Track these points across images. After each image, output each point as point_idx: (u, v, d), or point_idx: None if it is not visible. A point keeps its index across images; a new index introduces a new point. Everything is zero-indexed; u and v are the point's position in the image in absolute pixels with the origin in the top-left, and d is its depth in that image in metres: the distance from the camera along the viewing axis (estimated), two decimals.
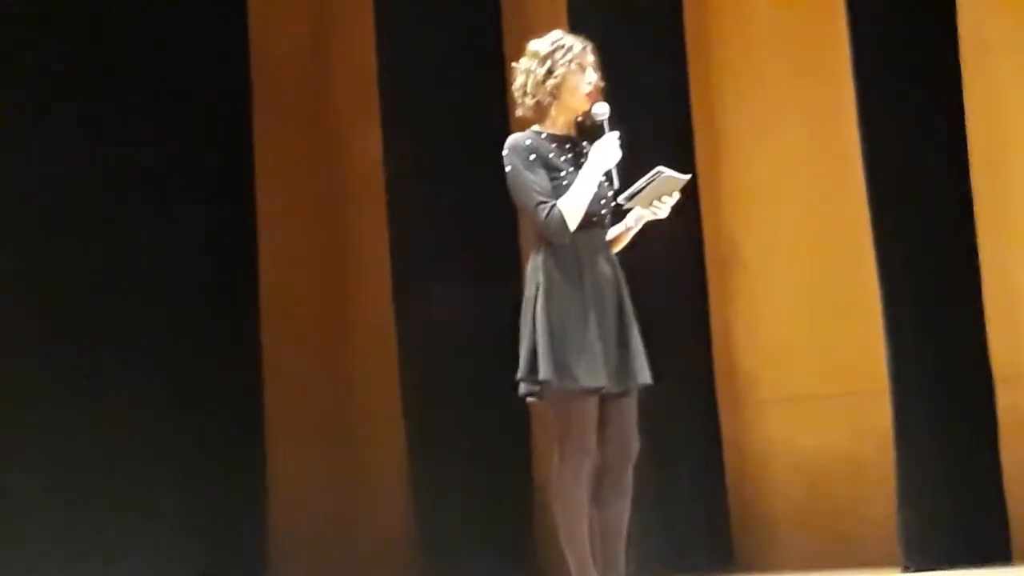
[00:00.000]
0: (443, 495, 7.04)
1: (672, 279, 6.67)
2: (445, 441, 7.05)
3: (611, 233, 4.59)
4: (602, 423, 4.46)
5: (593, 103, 4.51)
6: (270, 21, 7.57)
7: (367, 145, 7.39)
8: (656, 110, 6.67)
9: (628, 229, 4.59)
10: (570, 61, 4.48)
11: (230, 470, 7.02)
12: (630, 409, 4.52)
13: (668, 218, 4.59)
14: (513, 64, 4.58)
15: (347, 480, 7.61)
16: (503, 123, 6.91)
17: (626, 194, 4.47)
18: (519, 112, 4.58)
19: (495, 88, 6.95)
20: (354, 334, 7.77)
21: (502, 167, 4.55)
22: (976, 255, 6.23)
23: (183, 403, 6.92)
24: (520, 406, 6.70)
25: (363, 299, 7.71)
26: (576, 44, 4.52)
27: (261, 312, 7.30)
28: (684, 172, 4.49)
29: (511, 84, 4.59)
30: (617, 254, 4.58)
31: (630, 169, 4.52)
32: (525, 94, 4.53)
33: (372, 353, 7.59)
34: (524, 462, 7.09)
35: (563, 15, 6.76)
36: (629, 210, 4.54)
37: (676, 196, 4.51)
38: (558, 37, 4.54)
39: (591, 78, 4.51)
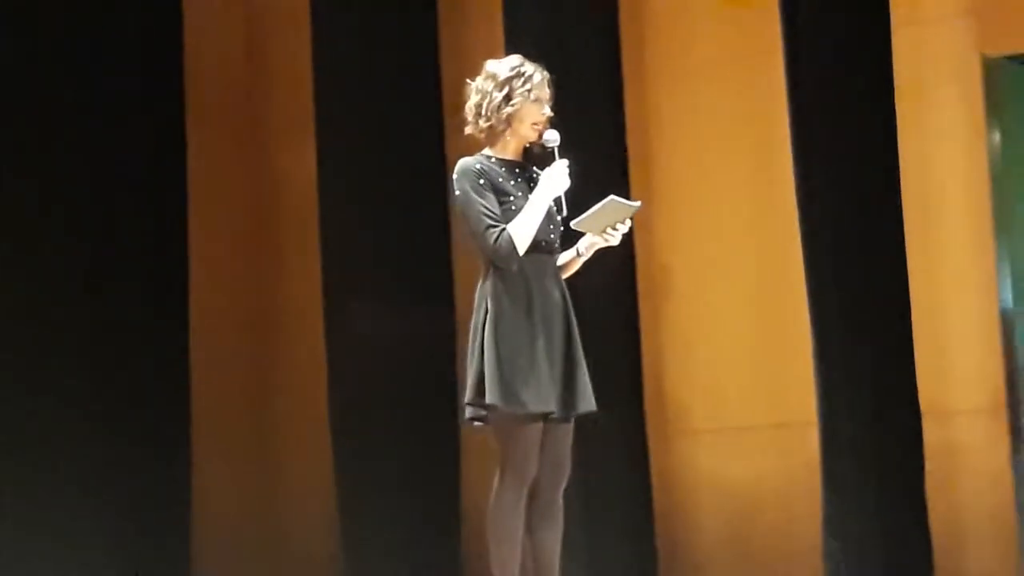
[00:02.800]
0: (370, 517, 6.97)
1: (603, 306, 6.63)
2: (373, 463, 6.99)
3: (561, 259, 4.59)
4: (539, 447, 4.45)
5: (543, 133, 4.51)
6: (204, 36, 7.49)
7: (301, 161, 7.33)
8: (590, 134, 6.65)
9: (579, 255, 4.60)
10: (528, 91, 4.48)
11: (155, 488, 6.93)
12: (567, 435, 4.54)
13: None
14: (468, 81, 4.55)
15: (273, 501, 7.54)
16: (439, 142, 6.91)
17: (577, 220, 4.46)
18: (468, 130, 4.55)
19: (431, 106, 6.92)
20: (284, 353, 7.70)
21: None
22: (907, 292, 6.27)
23: (108, 419, 6.82)
24: (450, 432, 6.74)
25: (293, 317, 7.65)
26: (536, 74, 4.51)
27: (190, 327, 7.21)
28: (633, 200, 4.50)
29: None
30: (566, 280, 4.58)
31: (574, 197, 4.51)
32: (479, 115, 4.51)
33: (301, 372, 7.52)
34: (453, 486, 7.04)
35: (500, 34, 6.75)
36: (580, 236, 4.54)
37: (628, 224, 4.52)
38: (518, 63, 4.53)
39: (545, 111, 4.51)
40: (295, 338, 7.62)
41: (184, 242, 7.24)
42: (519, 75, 4.48)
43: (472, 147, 4.61)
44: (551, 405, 4.41)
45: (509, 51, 6.33)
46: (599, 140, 6.77)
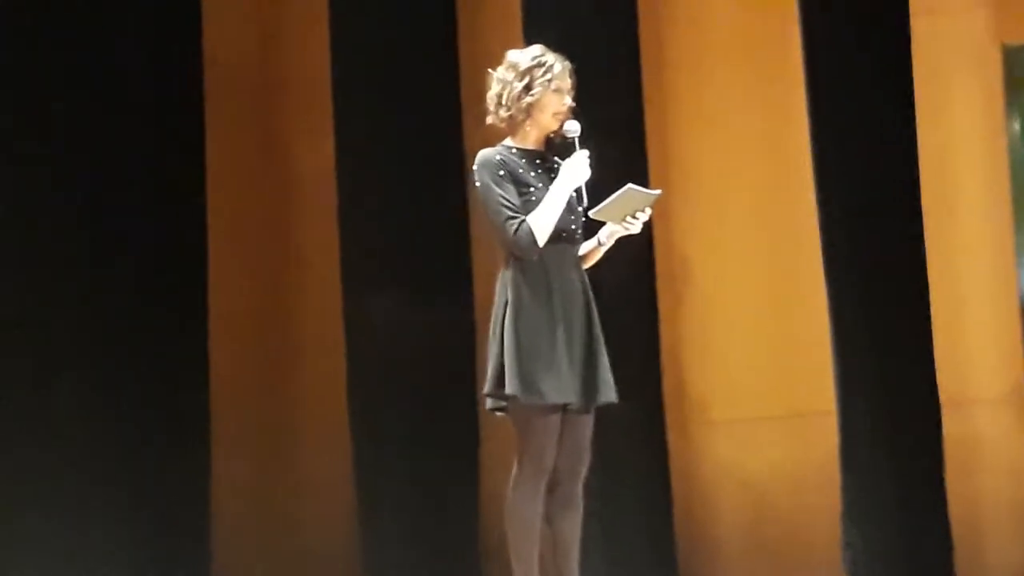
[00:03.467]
0: (388, 509, 6.97)
1: (622, 296, 6.63)
2: (392, 455, 6.99)
3: (583, 249, 4.59)
4: (558, 437, 4.46)
5: (563, 123, 4.51)
6: (222, 30, 7.48)
7: (319, 154, 7.32)
8: (608, 123, 6.63)
9: (600, 245, 4.60)
10: (549, 81, 4.48)
11: (174, 481, 6.91)
12: (587, 426, 4.54)
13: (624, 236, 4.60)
14: (489, 71, 4.56)
15: (291, 492, 7.54)
16: (456, 134, 6.89)
17: (596, 208, 4.46)
18: (489, 120, 4.56)
19: (449, 98, 6.90)
20: (302, 345, 7.69)
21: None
22: (926, 281, 6.26)
23: (127, 412, 6.80)
24: (470, 421, 6.73)
25: (312, 309, 7.64)
26: (557, 64, 4.52)
27: (209, 321, 7.21)
28: (652, 189, 4.51)
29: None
30: (587, 270, 4.59)
31: (591, 188, 4.51)
32: (500, 105, 4.51)
33: (320, 364, 7.51)
34: (472, 477, 7.03)
35: (518, 24, 6.74)
36: (602, 225, 4.54)
37: (648, 212, 4.52)
38: (539, 53, 4.54)
39: (566, 101, 4.52)
40: (314, 331, 7.61)
41: (203, 236, 7.22)
42: (540, 65, 4.49)
43: (491, 139, 4.62)
44: (570, 396, 4.41)
45: (527, 41, 6.34)
46: (617, 128, 6.74)
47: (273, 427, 7.63)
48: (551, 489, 4.49)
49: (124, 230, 6.91)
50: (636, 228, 4.54)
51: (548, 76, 4.48)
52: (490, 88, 4.53)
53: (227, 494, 7.19)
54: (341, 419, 7.10)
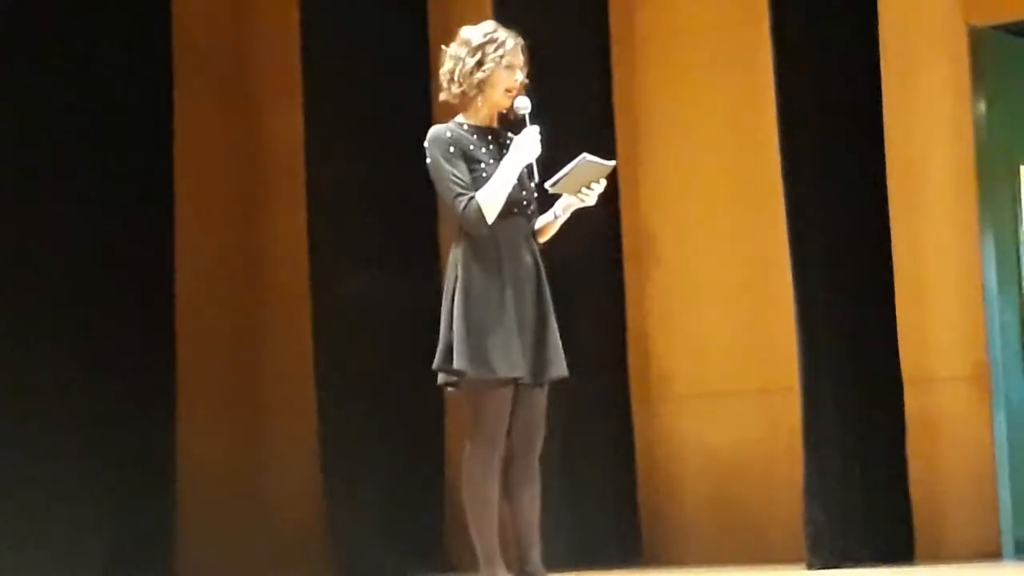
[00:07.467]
0: (354, 482, 7.01)
1: (588, 272, 6.69)
2: (358, 428, 7.03)
3: (540, 222, 4.61)
4: (511, 412, 4.48)
5: (515, 99, 4.52)
6: None
7: (288, 125, 7.34)
8: (577, 100, 6.68)
9: (556, 218, 4.61)
10: (500, 57, 4.49)
11: (140, 449, 6.95)
12: (540, 400, 4.56)
13: (587, 210, 4.61)
14: (442, 47, 4.57)
15: (258, 465, 7.57)
16: (426, 107, 6.90)
17: (551, 180, 4.47)
18: (442, 96, 4.59)
19: (419, 71, 6.92)
20: (270, 317, 7.73)
21: (423, 150, 4.55)
22: (890, 258, 6.29)
23: (94, 380, 6.82)
24: (435, 394, 6.75)
25: (279, 281, 7.67)
26: (509, 40, 4.53)
27: (176, 291, 7.22)
28: (607, 159, 4.52)
29: (435, 68, 4.60)
30: (544, 243, 4.62)
31: (551, 161, 4.53)
32: (452, 81, 4.53)
33: (287, 337, 7.55)
34: (437, 451, 7.08)
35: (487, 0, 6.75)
36: (556, 198, 4.55)
37: (603, 183, 4.53)
38: (492, 29, 4.55)
39: (518, 77, 4.52)
40: (281, 304, 7.64)
41: (171, 202, 7.24)
42: (492, 41, 4.50)
43: (450, 113, 4.63)
44: (520, 370, 4.43)
45: (497, 12, 6.37)
46: (586, 103, 6.79)
47: (240, 400, 7.66)
48: (508, 464, 4.50)
49: (89, 197, 6.91)
50: (591, 200, 4.55)
51: (500, 52, 4.49)
52: (443, 64, 4.55)
53: (193, 467, 7.22)
54: (308, 392, 7.13)
